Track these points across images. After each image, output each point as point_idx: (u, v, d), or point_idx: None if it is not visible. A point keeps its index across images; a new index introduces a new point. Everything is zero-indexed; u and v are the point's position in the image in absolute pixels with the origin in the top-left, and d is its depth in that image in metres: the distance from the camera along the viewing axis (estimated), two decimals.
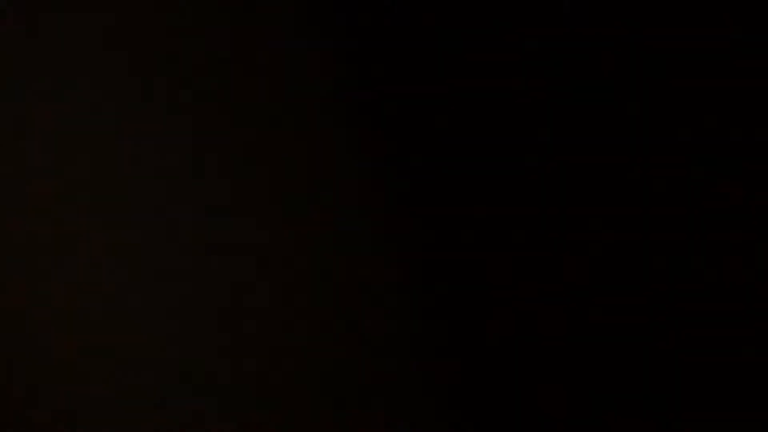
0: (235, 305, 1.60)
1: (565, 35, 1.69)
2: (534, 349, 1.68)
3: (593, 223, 1.69)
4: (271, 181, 1.63)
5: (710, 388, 1.65)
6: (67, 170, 1.58)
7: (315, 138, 1.65)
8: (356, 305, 1.64)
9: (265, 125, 1.64)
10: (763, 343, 1.64)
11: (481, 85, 1.70)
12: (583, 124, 1.69)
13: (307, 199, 1.64)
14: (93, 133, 1.59)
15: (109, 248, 1.58)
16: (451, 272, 1.68)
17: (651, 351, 1.67)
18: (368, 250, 1.65)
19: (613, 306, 1.68)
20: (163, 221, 1.59)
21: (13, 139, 1.56)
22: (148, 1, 1.61)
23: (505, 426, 1.67)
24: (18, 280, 1.55)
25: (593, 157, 1.69)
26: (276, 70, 1.65)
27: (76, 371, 1.55)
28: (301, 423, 1.61)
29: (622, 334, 1.67)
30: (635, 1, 1.69)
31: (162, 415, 1.57)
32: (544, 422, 1.67)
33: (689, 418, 1.65)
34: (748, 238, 1.66)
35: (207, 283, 1.60)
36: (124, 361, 1.57)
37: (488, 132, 1.70)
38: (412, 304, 1.66)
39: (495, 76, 1.70)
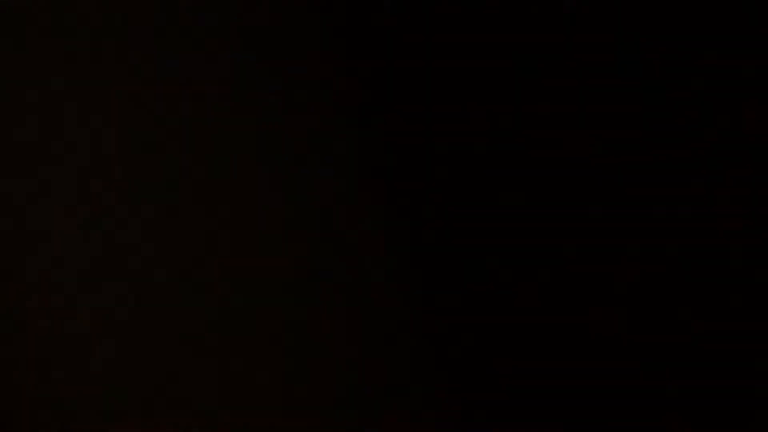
0: (234, 305, 1.61)
1: (565, 36, 1.69)
2: (533, 350, 1.68)
3: (593, 224, 1.69)
4: (271, 181, 1.63)
5: (709, 388, 1.66)
6: (61, 170, 1.58)
7: (316, 139, 1.65)
8: (356, 304, 1.64)
9: (267, 126, 1.64)
10: (763, 344, 1.65)
11: (481, 85, 1.70)
12: (583, 124, 1.69)
13: (308, 199, 1.64)
14: (90, 134, 1.59)
15: (106, 247, 1.58)
16: (449, 272, 1.68)
17: (650, 353, 1.67)
18: (367, 250, 1.66)
19: (614, 307, 1.68)
20: (163, 221, 1.59)
21: (6, 140, 1.57)
22: (149, 0, 1.62)
23: (504, 425, 1.67)
24: (13, 280, 1.55)
25: (593, 158, 1.69)
26: (276, 70, 1.65)
27: (70, 370, 1.56)
28: (299, 423, 1.61)
29: (622, 336, 1.67)
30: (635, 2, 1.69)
31: (157, 415, 1.57)
32: (543, 422, 1.67)
33: (688, 418, 1.66)
34: (748, 239, 1.66)
35: (206, 283, 1.60)
36: (122, 362, 1.57)
37: (488, 132, 1.70)
38: (410, 303, 1.66)
39: (495, 76, 1.70)
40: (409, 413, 1.64)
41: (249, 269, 1.61)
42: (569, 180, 1.69)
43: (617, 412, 1.67)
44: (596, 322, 1.68)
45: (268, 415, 1.60)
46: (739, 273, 1.66)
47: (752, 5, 1.66)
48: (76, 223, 1.58)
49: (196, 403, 1.58)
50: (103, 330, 1.57)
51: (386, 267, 1.66)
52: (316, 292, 1.63)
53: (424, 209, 1.69)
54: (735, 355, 1.65)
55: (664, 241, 1.67)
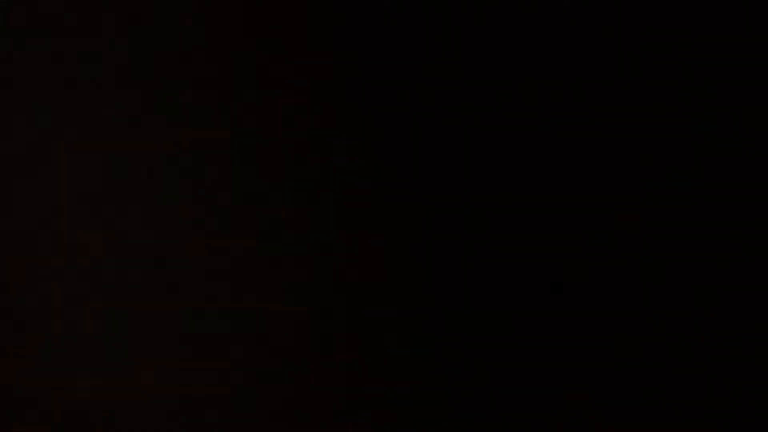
0: (236, 305, 1.61)
1: (565, 35, 1.70)
2: (533, 351, 1.69)
3: (594, 224, 1.69)
4: (271, 181, 1.63)
5: (710, 387, 1.66)
6: (61, 170, 1.58)
7: (317, 139, 1.65)
8: (356, 304, 1.64)
9: (268, 126, 1.64)
10: (763, 344, 1.65)
11: (481, 83, 1.70)
12: (583, 120, 1.70)
13: (308, 199, 1.64)
14: (90, 134, 1.59)
15: (109, 246, 1.58)
16: (450, 272, 1.68)
17: (651, 356, 1.67)
18: (368, 248, 1.66)
19: (615, 308, 1.68)
20: (164, 221, 1.59)
21: (8, 140, 1.57)
22: (151, 1, 1.62)
23: (504, 426, 1.67)
24: (14, 279, 1.55)
25: (594, 157, 1.69)
26: (278, 71, 1.65)
27: (70, 369, 1.55)
28: (298, 423, 1.61)
29: (624, 337, 1.67)
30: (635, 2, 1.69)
31: (159, 416, 1.57)
32: (543, 423, 1.67)
33: (688, 418, 1.66)
34: (748, 239, 1.66)
35: (207, 282, 1.60)
36: (123, 362, 1.57)
37: (488, 131, 1.70)
38: (411, 303, 1.66)
39: (496, 75, 1.70)
40: (408, 414, 1.64)
41: (249, 269, 1.61)
42: (570, 182, 1.69)
43: (618, 415, 1.67)
44: (599, 325, 1.68)
45: (268, 415, 1.60)
46: (738, 272, 1.66)
47: (752, 5, 1.67)
48: (76, 224, 1.58)
49: (196, 404, 1.58)
50: (103, 330, 1.57)
51: (386, 267, 1.66)
52: (316, 291, 1.63)
53: (424, 208, 1.69)
54: (734, 354, 1.65)
55: (664, 241, 1.68)
